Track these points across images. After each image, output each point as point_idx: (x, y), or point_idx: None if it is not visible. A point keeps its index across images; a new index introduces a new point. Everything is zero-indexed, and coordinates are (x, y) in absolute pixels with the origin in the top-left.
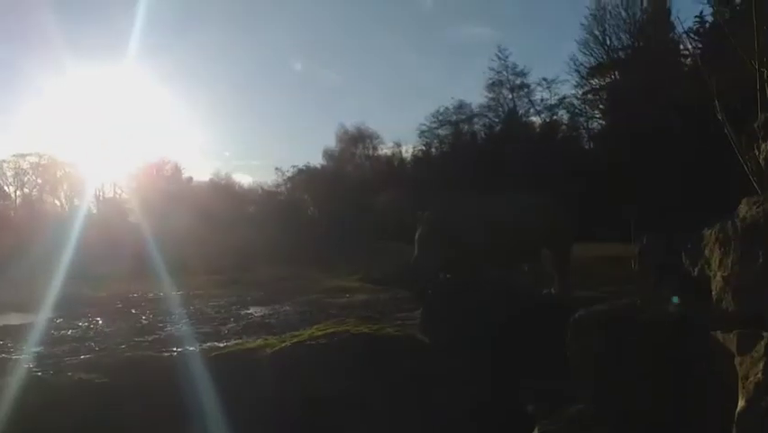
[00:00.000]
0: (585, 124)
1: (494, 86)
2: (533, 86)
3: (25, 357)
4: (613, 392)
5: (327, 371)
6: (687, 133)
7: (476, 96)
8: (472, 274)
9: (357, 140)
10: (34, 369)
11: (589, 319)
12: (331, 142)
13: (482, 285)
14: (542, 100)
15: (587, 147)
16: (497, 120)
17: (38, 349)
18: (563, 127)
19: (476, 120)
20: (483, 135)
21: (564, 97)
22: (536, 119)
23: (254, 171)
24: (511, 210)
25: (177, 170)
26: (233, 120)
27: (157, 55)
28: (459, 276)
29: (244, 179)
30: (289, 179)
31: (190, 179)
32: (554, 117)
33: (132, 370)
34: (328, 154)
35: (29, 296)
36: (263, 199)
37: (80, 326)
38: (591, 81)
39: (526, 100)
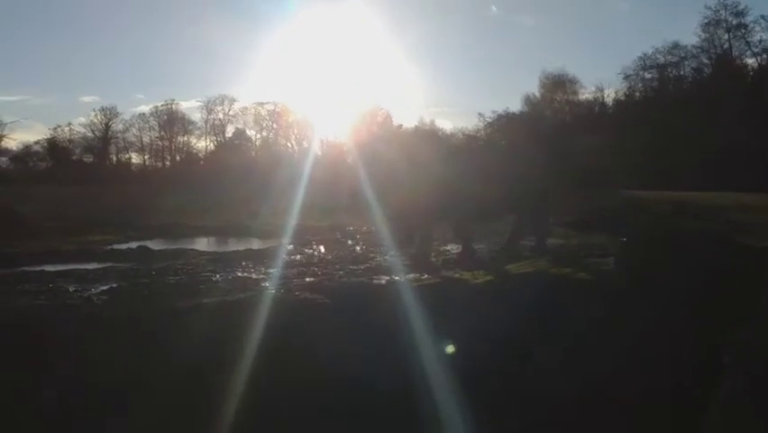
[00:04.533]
0: None
1: (709, 25)
2: (751, 25)
3: (262, 277)
4: None
5: (515, 308)
6: None
7: (687, 38)
8: None
9: (557, 85)
10: (269, 288)
11: None
12: (529, 89)
13: (688, 231)
14: (760, 41)
15: None
16: (708, 62)
17: (272, 270)
18: None
19: (686, 63)
20: (691, 79)
21: None
22: (752, 61)
23: (454, 118)
24: None
25: (388, 117)
26: (436, 69)
27: (369, 12)
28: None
29: (445, 125)
30: (489, 124)
31: (400, 125)
32: None
33: (348, 293)
34: (528, 100)
35: (267, 224)
36: (463, 144)
37: (306, 252)
38: None
39: (743, 41)
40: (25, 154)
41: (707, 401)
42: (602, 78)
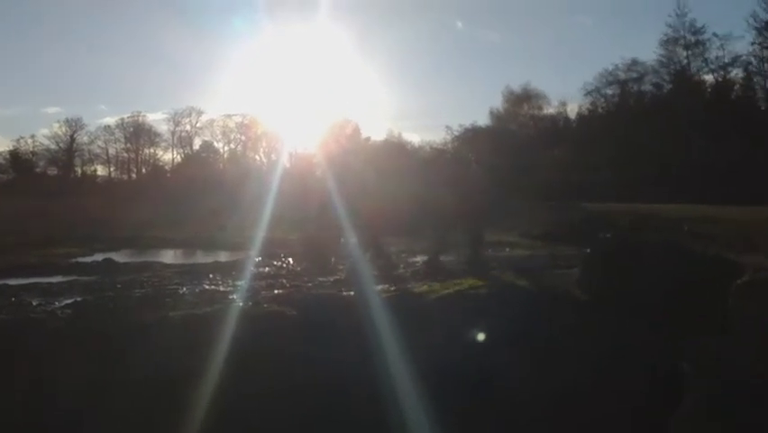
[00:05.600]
0: (762, 83)
1: (668, 43)
2: (708, 43)
3: (230, 290)
4: None
5: (486, 318)
6: None
7: (646, 56)
8: None
9: (522, 100)
10: (237, 300)
11: (752, 286)
12: (495, 103)
13: (650, 243)
14: (716, 58)
15: (763, 108)
16: (667, 78)
17: (240, 283)
18: (737, 87)
19: (646, 79)
20: (651, 95)
21: (739, 56)
22: (708, 78)
23: (422, 131)
24: None
25: (356, 130)
26: (404, 83)
27: (337, 25)
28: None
29: (413, 138)
30: (456, 137)
31: (368, 138)
32: (728, 76)
33: (317, 305)
34: (494, 114)
35: (235, 237)
36: (431, 157)
37: (275, 264)
38: None
39: (701, 58)
40: None
41: (671, 407)
42: (566, 92)
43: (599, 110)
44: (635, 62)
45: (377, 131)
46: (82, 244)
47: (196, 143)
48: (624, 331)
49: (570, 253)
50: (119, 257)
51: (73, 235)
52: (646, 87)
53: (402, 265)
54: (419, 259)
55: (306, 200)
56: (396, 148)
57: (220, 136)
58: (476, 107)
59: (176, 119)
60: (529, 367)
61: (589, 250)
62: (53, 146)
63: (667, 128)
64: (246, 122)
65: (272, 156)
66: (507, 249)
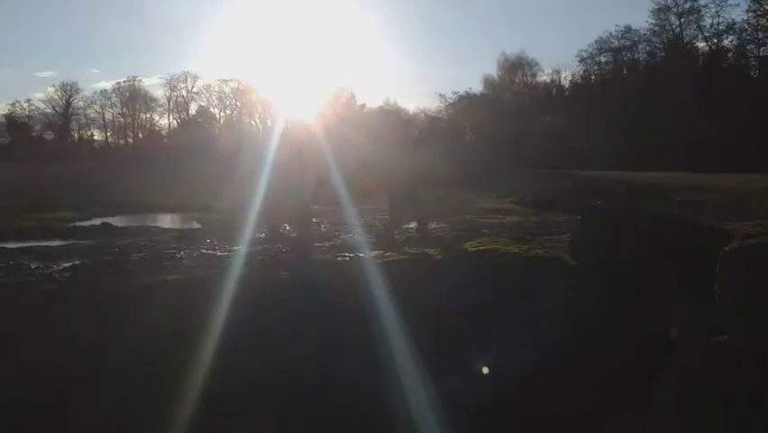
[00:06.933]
0: (756, 51)
1: (660, 11)
2: (702, 10)
3: (227, 254)
4: (761, 328)
5: (477, 284)
6: None
7: (641, 23)
8: None
9: (516, 67)
10: (235, 265)
11: (739, 252)
12: (490, 69)
13: (643, 211)
14: (711, 25)
15: (754, 76)
16: (660, 47)
17: (238, 248)
18: (730, 55)
19: (640, 47)
20: (644, 63)
21: (734, 23)
22: (702, 45)
23: (416, 98)
24: None
25: (352, 97)
26: (398, 50)
27: None
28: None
29: (408, 105)
30: (451, 105)
31: (363, 105)
32: (722, 44)
33: (313, 270)
34: (488, 81)
35: (233, 203)
36: (426, 125)
37: (272, 230)
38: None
39: (695, 25)
40: None
41: (658, 376)
42: (560, 60)
43: (593, 78)
44: (628, 30)
45: (371, 98)
46: (80, 209)
47: (192, 108)
48: (615, 299)
49: (562, 220)
50: (117, 222)
51: (70, 200)
52: (640, 54)
53: (396, 232)
54: (413, 226)
55: (302, 169)
56: (389, 115)
57: (216, 102)
58: (471, 74)
59: (171, 84)
60: (519, 335)
61: (580, 217)
62: (49, 110)
63: (660, 96)
64: (242, 87)
65: (268, 122)
66: (500, 216)
